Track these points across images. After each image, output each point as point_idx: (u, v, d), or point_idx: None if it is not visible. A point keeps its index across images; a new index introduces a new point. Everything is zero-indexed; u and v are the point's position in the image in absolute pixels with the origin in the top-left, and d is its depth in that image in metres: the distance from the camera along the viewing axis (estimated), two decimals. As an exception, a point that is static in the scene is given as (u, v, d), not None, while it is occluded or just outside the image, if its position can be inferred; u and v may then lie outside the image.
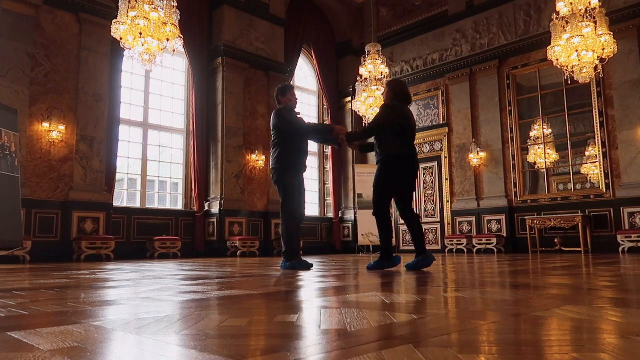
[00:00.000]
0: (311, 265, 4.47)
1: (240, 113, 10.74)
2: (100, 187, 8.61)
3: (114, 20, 5.91)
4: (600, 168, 9.50)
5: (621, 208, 9.09)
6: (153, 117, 10.24)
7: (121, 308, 1.81)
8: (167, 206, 10.55)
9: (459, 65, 11.48)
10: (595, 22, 6.80)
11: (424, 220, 11.97)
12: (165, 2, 5.99)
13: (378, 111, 4.26)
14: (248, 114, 10.95)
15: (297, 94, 13.99)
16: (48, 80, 8.29)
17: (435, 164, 11.88)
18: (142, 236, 9.31)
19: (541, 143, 10.46)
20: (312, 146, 13.05)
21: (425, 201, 11.99)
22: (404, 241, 12.23)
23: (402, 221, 12.03)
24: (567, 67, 7.06)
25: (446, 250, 11.19)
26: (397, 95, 4.22)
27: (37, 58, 8.18)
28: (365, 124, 9.63)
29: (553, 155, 10.49)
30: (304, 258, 4.79)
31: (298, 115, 4.71)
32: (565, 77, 7.33)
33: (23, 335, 1.22)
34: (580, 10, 6.70)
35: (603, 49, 6.83)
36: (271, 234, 10.87)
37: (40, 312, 1.69)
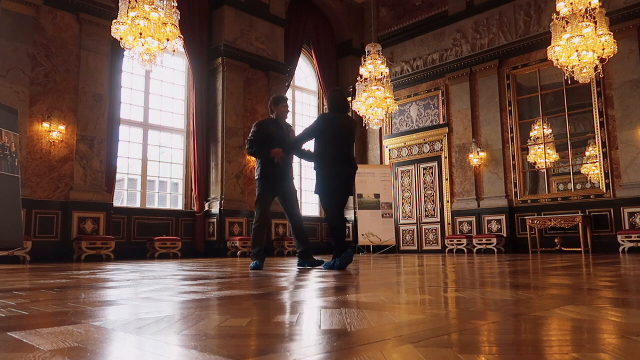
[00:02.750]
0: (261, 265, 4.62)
1: (240, 113, 10.75)
2: (100, 187, 8.61)
3: (114, 20, 5.90)
4: (600, 168, 9.50)
5: (621, 208, 9.09)
6: (153, 117, 10.24)
7: (121, 308, 1.81)
8: (167, 206, 10.55)
9: (459, 65, 11.48)
10: (595, 22, 6.79)
11: (423, 220, 11.98)
12: (165, 2, 5.98)
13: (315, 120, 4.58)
14: (248, 114, 10.96)
15: (297, 94, 14.02)
16: (48, 80, 8.29)
17: (435, 164, 11.88)
18: (142, 236, 9.31)
19: (541, 143, 10.46)
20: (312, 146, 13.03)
21: (425, 201, 11.99)
22: (404, 241, 12.23)
23: (402, 221, 12.17)
24: (567, 67, 7.05)
25: (446, 250, 11.19)
26: (333, 105, 4.46)
27: (37, 58, 8.18)
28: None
29: (553, 155, 10.49)
30: (296, 258, 5.09)
31: (289, 126, 5.06)
32: (565, 77, 7.32)
33: (23, 335, 1.22)
34: (580, 10, 6.70)
35: (603, 49, 6.82)
36: (271, 234, 10.87)
37: (40, 312, 1.69)
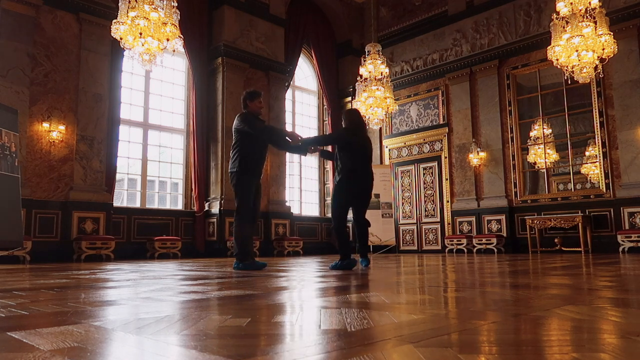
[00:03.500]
0: (264, 265, 4.64)
1: (240, 113, 10.73)
2: (100, 187, 8.61)
3: (114, 20, 5.90)
4: (600, 168, 9.50)
5: (621, 208, 9.09)
6: (153, 117, 10.24)
7: (121, 308, 1.81)
8: (167, 206, 10.55)
9: (459, 65, 11.47)
10: (595, 22, 6.79)
11: (423, 220, 11.99)
12: (165, 2, 5.98)
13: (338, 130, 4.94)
14: (248, 114, 10.93)
15: (297, 94, 14.04)
16: (48, 80, 8.29)
17: (435, 164, 11.88)
18: (142, 236, 9.31)
19: (541, 143, 10.46)
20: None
21: (425, 201, 11.99)
22: (404, 241, 12.23)
23: (402, 221, 12.17)
24: (567, 67, 7.05)
25: (446, 250, 11.19)
26: (352, 123, 4.69)
27: (37, 58, 8.18)
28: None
29: (553, 155, 10.49)
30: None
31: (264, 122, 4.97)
32: (565, 77, 7.31)
33: (23, 335, 1.22)
34: (580, 10, 6.70)
35: (603, 49, 6.82)
36: (271, 234, 10.87)
37: (40, 312, 1.69)
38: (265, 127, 4.71)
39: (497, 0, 11.02)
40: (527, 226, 9.85)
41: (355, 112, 4.91)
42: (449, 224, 11.45)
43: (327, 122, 13.19)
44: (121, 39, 5.86)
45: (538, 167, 10.55)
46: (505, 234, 10.43)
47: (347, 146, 4.54)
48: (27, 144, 7.91)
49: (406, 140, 12.43)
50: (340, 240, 4.57)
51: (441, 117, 11.84)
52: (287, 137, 4.72)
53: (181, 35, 6.24)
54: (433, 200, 11.85)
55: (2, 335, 1.22)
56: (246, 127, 4.62)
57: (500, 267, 4.59)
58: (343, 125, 4.78)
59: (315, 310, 1.69)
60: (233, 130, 4.78)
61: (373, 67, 9.08)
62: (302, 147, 4.79)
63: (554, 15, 7.08)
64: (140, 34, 5.81)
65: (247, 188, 4.61)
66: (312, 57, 13.06)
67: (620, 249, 8.79)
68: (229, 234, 10.06)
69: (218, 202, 10.15)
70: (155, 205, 10.48)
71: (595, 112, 9.61)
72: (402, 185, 12.42)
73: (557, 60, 7.05)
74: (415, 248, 12.03)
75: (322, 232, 12.64)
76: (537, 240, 9.76)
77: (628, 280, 2.92)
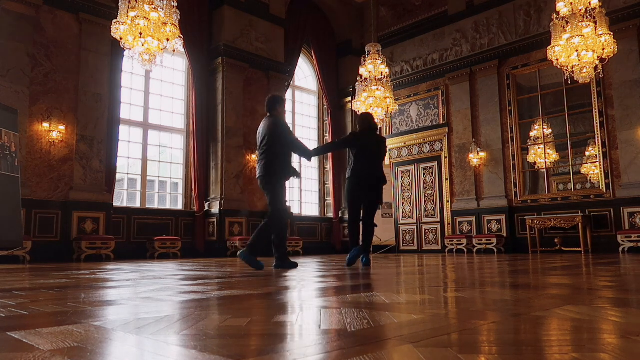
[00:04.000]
0: (296, 265, 4.97)
1: (240, 113, 10.75)
2: (100, 187, 8.61)
3: (114, 20, 5.91)
4: (600, 168, 9.50)
5: (621, 208, 9.09)
6: (153, 117, 10.24)
7: (121, 308, 1.81)
8: (167, 206, 10.55)
9: (459, 65, 11.47)
10: (595, 22, 6.79)
11: (423, 220, 11.99)
12: (165, 2, 5.98)
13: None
14: (248, 114, 10.95)
15: (297, 94, 14.07)
16: (48, 80, 8.29)
17: (435, 164, 11.88)
18: (142, 236, 9.31)
19: (541, 143, 10.46)
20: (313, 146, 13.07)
21: (425, 201, 11.99)
22: (404, 241, 12.23)
23: (402, 221, 12.17)
24: (567, 67, 7.05)
25: (446, 250, 11.19)
26: (361, 127, 5.11)
27: (37, 58, 8.18)
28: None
29: (553, 155, 10.49)
30: (296, 258, 5.28)
31: None
32: (565, 77, 7.32)
33: (23, 335, 1.22)
34: (580, 10, 6.70)
35: (603, 49, 6.82)
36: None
37: (40, 312, 1.69)
38: (300, 147, 4.84)
39: (497, 0, 11.02)
40: (527, 226, 9.85)
41: (365, 117, 5.21)
42: (449, 224, 11.45)
43: (327, 122, 13.19)
44: (121, 39, 5.86)
45: (538, 167, 10.56)
46: (505, 234, 10.43)
47: (353, 149, 4.88)
48: (27, 144, 7.91)
49: (406, 140, 12.43)
50: (350, 234, 4.96)
51: (441, 117, 11.84)
52: (307, 154, 4.94)
53: (181, 35, 6.24)
54: (433, 200, 11.85)
55: (2, 335, 1.22)
56: (287, 139, 4.67)
57: (500, 267, 4.59)
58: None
59: (315, 310, 1.69)
60: (264, 133, 4.66)
61: (373, 67, 9.08)
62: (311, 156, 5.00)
63: (554, 15, 7.08)
64: (140, 34, 5.81)
65: (280, 191, 4.67)
66: (312, 57, 13.07)
67: (620, 249, 8.79)
68: (229, 234, 10.08)
69: (218, 202, 10.15)
70: (155, 205, 10.48)
71: (595, 112, 9.61)
72: (402, 185, 12.42)
73: (557, 60, 7.05)
74: (415, 248, 12.03)
75: (322, 232, 12.64)
76: (537, 240, 9.76)
77: (628, 280, 2.92)
